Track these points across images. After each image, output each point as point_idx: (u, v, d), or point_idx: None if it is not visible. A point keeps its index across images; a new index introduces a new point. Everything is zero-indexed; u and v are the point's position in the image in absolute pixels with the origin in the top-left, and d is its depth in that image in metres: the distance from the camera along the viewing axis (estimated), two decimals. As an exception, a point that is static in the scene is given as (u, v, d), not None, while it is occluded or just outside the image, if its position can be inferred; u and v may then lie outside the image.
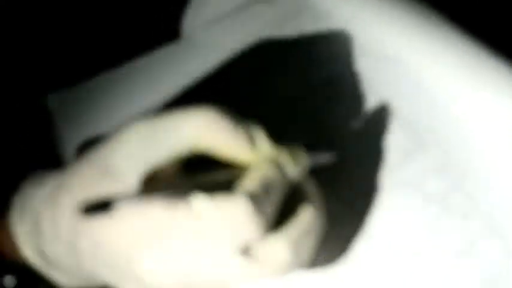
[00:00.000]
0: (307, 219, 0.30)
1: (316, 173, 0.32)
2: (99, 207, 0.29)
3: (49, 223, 0.33)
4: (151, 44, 0.46)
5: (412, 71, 0.38)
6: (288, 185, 0.30)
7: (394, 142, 0.36)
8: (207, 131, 0.30)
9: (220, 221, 0.28)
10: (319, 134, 0.38)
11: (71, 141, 0.43)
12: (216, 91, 0.43)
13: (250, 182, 0.29)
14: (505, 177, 0.33)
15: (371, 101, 0.38)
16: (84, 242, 0.31)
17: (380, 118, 0.37)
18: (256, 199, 0.29)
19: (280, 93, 0.41)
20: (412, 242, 0.33)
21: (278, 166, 0.30)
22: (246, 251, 0.29)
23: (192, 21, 0.47)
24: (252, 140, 0.30)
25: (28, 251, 0.34)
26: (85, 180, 0.31)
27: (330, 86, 0.40)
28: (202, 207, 0.28)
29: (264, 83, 0.42)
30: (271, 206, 0.30)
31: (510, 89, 0.34)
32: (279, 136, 0.31)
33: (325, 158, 0.32)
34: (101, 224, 0.30)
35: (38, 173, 0.36)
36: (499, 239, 0.31)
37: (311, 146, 0.32)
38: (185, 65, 0.45)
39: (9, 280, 0.35)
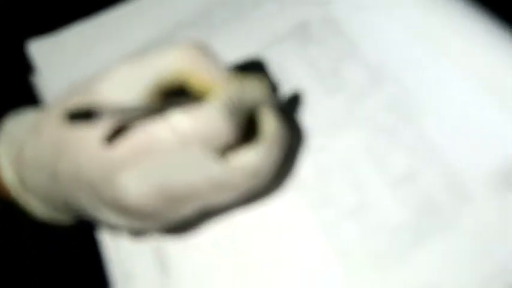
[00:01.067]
0: (273, 132, 0.33)
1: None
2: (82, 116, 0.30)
3: (32, 151, 0.35)
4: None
5: (377, 15, 0.40)
6: (252, 103, 0.34)
7: (353, 78, 0.38)
8: (187, 59, 0.33)
9: (195, 129, 0.31)
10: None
11: (51, 86, 0.45)
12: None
13: (220, 95, 0.32)
14: (450, 111, 0.35)
15: (336, 43, 0.40)
16: (64, 164, 0.33)
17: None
18: (226, 108, 0.32)
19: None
20: (359, 168, 0.35)
21: (241, 88, 0.33)
22: (221, 156, 0.32)
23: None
24: (222, 71, 0.34)
25: (10, 179, 0.36)
26: (67, 103, 0.34)
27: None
28: (179, 118, 0.31)
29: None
30: (240, 117, 0.33)
31: (462, 30, 0.36)
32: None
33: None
34: (81, 137, 0.32)
35: (20, 110, 0.39)
36: (441, 168, 0.33)
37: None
38: (162, 12, 0.48)
39: None
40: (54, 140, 0.34)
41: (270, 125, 0.34)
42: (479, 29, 0.36)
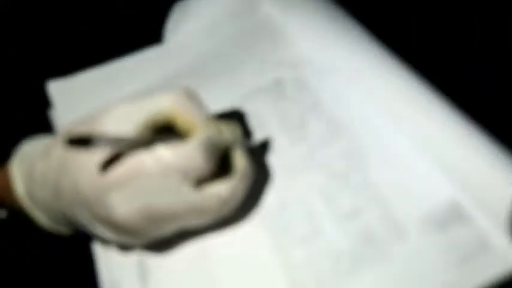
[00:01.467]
0: (243, 168, 0.39)
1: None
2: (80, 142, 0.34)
3: (40, 172, 0.40)
4: (138, 44, 0.55)
5: (340, 79, 0.45)
6: (227, 144, 0.39)
7: (315, 130, 0.43)
8: (175, 102, 0.39)
9: (176, 161, 0.37)
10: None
11: (65, 121, 0.50)
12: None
13: (199, 135, 0.38)
14: (392, 162, 0.39)
15: (303, 100, 0.46)
16: (65, 183, 0.38)
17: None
18: (204, 146, 0.37)
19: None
20: (313, 204, 0.40)
21: (219, 130, 0.39)
22: (197, 185, 0.37)
23: (173, 27, 0.55)
24: (204, 114, 0.39)
25: (21, 193, 0.41)
26: (73, 130, 0.39)
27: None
28: (163, 151, 0.37)
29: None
30: (215, 155, 0.38)
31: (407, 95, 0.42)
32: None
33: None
34: (81, 160, 0.37)
35: (34, 136, 0.44)
36: (382, 208, 0.38)
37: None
38: (165, 63, 0.54)
39: (2, 213, 0.43)
40: (59, 161, 0.39)
41: (240, 162, 0.39)
42: (420, 96, 0.41)
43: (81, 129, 0.38)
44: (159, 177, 0.37)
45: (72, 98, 0.49)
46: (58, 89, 0.53)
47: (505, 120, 0.44)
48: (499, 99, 0.45)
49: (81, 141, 0.34)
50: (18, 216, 0.42)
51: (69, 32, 0.58)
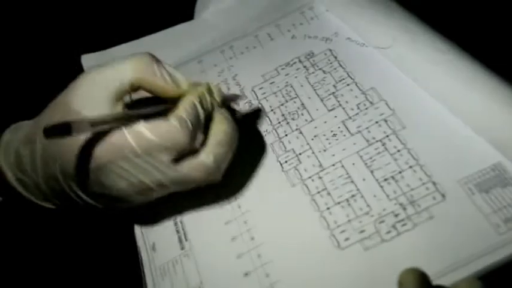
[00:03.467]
0: (221, 133, 0.39)
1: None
2: (60, 131, 0.32)
3: (28, 158, 0.40)
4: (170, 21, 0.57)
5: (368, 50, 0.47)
6: (208, 109, 0.40)
7: (350, 98, 0.45)
8: (140, 70, 0.38)
9: (158, 137, 0.37)
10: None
11: None
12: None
13: (180, 108, 0.38)
14: (432, 128, 0.41)
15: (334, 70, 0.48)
16: (54, 167, 0.39)
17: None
18: (184, 120, 0.37)
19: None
20: (352, 168, 0.41)
21: (199, 96, 0.39)
22: (178, 159, 0.38)
23: (203, 5, 0.57)
24: (175, 80, 0.39)
25: (11, 179, 0.42)
26: (51, 118, 0.39)
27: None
28: (143, 129, 0.37)
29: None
30: (197, 125, 0.38)
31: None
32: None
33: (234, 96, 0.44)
34: (62, 145, 0.37)
35: (17, 122, 0.44)
36: (422, 172, 0.39)
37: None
38: (196, 38, 0.55)
39: None
40: (44, 148, 0.39)
41: (218, 128, 0.40)
42: (459, 66, 0.42)
43: (54, 117, 0.38)
44: (143, 155, 0.37)
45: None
46: (91, 62, 0.54)
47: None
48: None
49: (60, 129, 0.32)
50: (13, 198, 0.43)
51: (106, 11, 0.59)
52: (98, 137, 0.37)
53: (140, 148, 0.37)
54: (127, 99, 0.40)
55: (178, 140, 0.37)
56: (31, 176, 0.40)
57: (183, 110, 0.38)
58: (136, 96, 0.41)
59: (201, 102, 0.39)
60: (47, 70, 0.56)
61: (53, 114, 0.39)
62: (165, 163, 0.38)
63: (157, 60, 0.39)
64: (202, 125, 0.39)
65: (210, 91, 0.41)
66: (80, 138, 0.37)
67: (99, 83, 0.38)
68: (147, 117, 0.37)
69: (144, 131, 0.37)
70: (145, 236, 0.45)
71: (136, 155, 0.37)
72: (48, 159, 0.39)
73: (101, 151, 0.37)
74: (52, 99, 0.40)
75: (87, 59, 0.55)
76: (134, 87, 0.38)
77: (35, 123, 0.41)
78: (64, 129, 0.32)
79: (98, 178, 0.38)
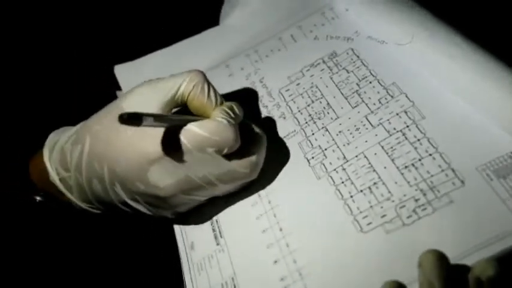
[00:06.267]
0: (261, 137, 0.43)
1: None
2: (133, 119, 0.35)
3: (74, 158, 0.42)
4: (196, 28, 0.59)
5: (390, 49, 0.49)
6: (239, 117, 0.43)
7: (372, 94, 0.47)
8: (191, 85, 0.42)
9: (208, 135, 0.40)
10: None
11: None
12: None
13: (219, 112, 0.41)
14: (450, 118, 0.43)
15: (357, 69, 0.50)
16: (103, 164, 0.41)
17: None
18: (227, 119, 0.41)
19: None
20: (374, 157, 0.43)
21: (231, 109, 0.42)
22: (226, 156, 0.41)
23: (228, 10, 0.59)
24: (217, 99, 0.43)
25: (54, 178, 0.44)
26: (101, 120, 0.42)
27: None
28: (197, 128, 0.40)
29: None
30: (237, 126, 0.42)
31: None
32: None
33: None
34: (113, 143, 0.40)
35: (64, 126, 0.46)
36: (440, 160, 0.41)
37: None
38: (222, 43, 0.58)
39: (39, 196, 0.45)
40: (92, 146, 0.41)
41: (258, 133, 0.44)
42: (476, 59, 0.43)
43: (107, 119, 0.41)
44: (196, 152, 0.40)
45: (137, 79, 0.51)
46: (124, 73, 0.58)
47: None
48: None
49: (133, 118, 0.34)
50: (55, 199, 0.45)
51: (135, 21, 0.62)
52: (149, 133, 0.40)
53: (191, 144, 0.40)
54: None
55: (227, 136, 0.40)
56: (75, 176, 0.42)
57: (224, 112, 0.41)
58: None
59: (232, 110, 0.42)
60: (79, 82, 0.59)
61: (103, 116, 0.42)
62: (214, 157, 0.40)
63: (206, 80, 0.42)
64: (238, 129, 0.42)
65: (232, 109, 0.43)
66: (130, 134, 0.40)
67: (155, 91, 0.41)
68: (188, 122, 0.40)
69: (195, 128, 0.40)
70: (184, 236, 0.48)
71: (187, 150, 0.40)
72: (95, 158, 0.41)
73: (152, 146, 0.40)
74: (85, 110, 0.43)
75: (120, 70, 0.58)
76: (184, 102, 0.42)
77: (84, 125, 0.43)
78: (136, 118, 0.34)
79: (145, 175, 0.40)
